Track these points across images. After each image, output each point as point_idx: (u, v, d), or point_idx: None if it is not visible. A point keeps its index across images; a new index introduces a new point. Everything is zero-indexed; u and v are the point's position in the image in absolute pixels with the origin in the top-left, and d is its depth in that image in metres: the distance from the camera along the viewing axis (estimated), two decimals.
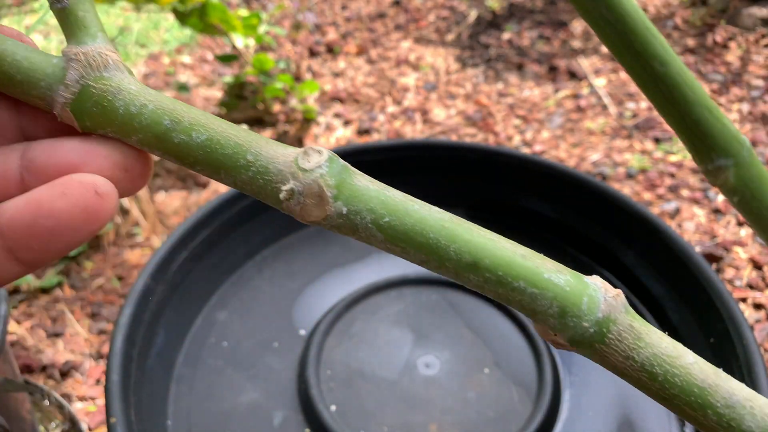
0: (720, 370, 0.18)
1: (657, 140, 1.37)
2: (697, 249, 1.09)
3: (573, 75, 1.61)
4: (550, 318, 0.17)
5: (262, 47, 1.72)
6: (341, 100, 1.57)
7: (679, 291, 0.68)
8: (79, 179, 0.17)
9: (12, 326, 1.02)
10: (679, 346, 0.18)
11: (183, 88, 1.56)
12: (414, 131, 1.46)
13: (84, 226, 0.17)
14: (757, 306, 1.01)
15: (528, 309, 0.17)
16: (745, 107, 1.44)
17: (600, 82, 1.58)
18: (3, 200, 0.17)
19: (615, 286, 0.66)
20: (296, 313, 0.72)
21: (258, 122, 1.47)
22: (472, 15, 1.91)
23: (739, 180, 0.17)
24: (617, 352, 0.17)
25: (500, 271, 0.17)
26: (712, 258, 1.08)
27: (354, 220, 0.17)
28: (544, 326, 0.17)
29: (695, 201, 1.21)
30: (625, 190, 1.25)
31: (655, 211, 1.19)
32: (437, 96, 1.58)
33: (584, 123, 1.45)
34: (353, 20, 1.93)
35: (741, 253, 1.10)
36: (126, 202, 1.13)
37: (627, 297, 0.77)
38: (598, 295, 0.17)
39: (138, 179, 0.18)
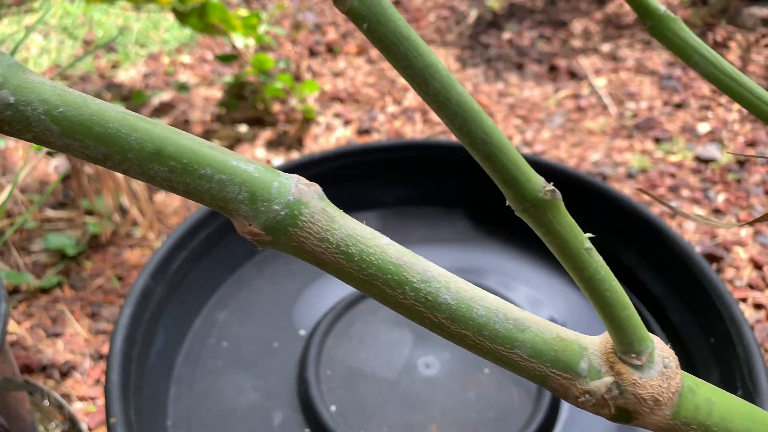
0: (417, 255, 0.19)
1: (657, 140, 1.37)
2: (698, 249, 1.09)
3: (573, 75, 1.61)
4: (242, 206, 0.17)
5: (262, 47, 1.72)
6: (341, 100, 1.57)
7: (679, 291, 0.68)
8: None
9: (12, 326, 1.02)
10: (376, 232, 0.18)
11: (183, 87, 1.56)
12: (414, 131, 1.46)
13: None
14: (758, 306, 1.01)
15: (218, 199, 0.17)
16: None
17: (600, 82, 1.57)
18: None
19: None
20: (296, 313, 0.72)
21: (258, 122, 1.47)
22: (473, 15, 1.91)
23: (363, 4, 0.17)
24: (311, 235, 0.17)
25: (185, 158, 0.16)
26: (712, 258, 1.08)
27: (24, 111, 0.16)
28: (239, 220, 0.17)
29: (695, 201, 1.21)
30: (626, 190, 1.25)
31: (655, 211, 1.19)
32: None
33: (584, 123, 1.45)
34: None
35: (741, 253, 1.10)
36: (125, 201, 1.13)
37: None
38: (290, 182, 0.17)
39: None
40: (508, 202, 0.19)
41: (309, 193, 0.17)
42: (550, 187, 0.19)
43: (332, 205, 0.18)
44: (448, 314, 0.18)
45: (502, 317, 0.18)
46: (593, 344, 0.19)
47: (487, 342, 0.18)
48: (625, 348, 0.19)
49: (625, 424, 0.19)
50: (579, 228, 0.19)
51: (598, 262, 0.19)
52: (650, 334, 0.19)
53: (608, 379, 0.18)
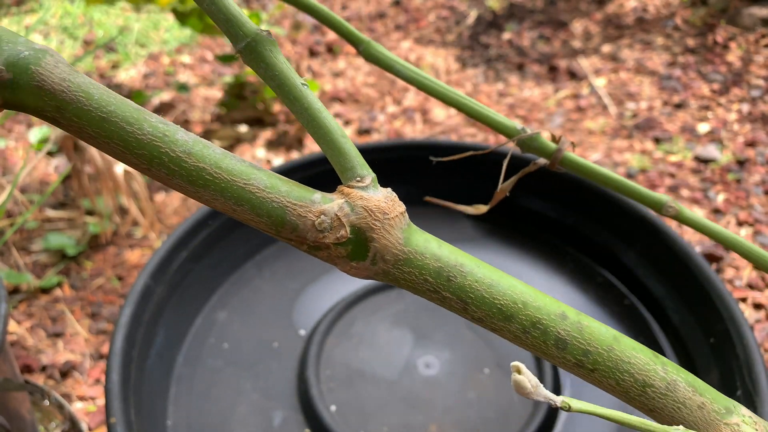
0: None
1: (657, 140, 1.37)
2: (698, 249, 1.09)
3: (573, 75, 1.61)
4: None
5: None
6: (341, 100, 1.57)
7: (679, 291, 0.68)
8: None
9: (12, 326, 1.02)
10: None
11: (183, 87, 1.56)
12: (414, 131, 1.46)
13: None
14: (757, 306, 1.01)
15: None
16: (745, 107, 1.44)
17: (600, 82, 1.58)
18: None
19: (615, 286, 0.66)
20: (296, 313, 0.72)
21: (258, 122, 1.47)
22: (472, 15, 1.91)
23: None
24: (54, 74, 0.18)
25: None
26: (712, 258, 1.08)
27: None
28: None
29: (695, 201, 1.21)
30: None
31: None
32: None
33: (584, 123, 1.45)
34: (353, 20, 1.93)
35: None
36: (126, 201, 1.13)
37: (627, 297, 0.77)
38: (41, 48, 0.18)
39: None
40: (236, 49, 0.21)
41: (55, 52, 0.18)
42: (266, 30, 0.21)
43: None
44: (185, 149, 0.19)
45: (237, 158, 0.20)
46: (322, 193, 0.21)
47: (224, 175, 0.19)
48: (349, 174, 0.20)
49: (360, 257, 0.20)
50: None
51: (313, 96, 0.21)
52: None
53: (340, 200, 0.20)
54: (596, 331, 0.21)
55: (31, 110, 0.18)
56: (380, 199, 0.20)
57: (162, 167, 0.19)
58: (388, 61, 0.30)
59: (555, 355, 0.21)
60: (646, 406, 0.21)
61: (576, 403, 0.19)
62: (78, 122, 0.18)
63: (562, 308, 0.21)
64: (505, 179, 0.33)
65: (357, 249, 0.20)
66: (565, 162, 0.31)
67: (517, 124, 0.31)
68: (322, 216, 0.20)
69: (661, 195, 0.30)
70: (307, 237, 0.20)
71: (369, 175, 0.21)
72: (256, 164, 0.20)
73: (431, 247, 0.20)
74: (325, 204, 0.20)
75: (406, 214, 0.21)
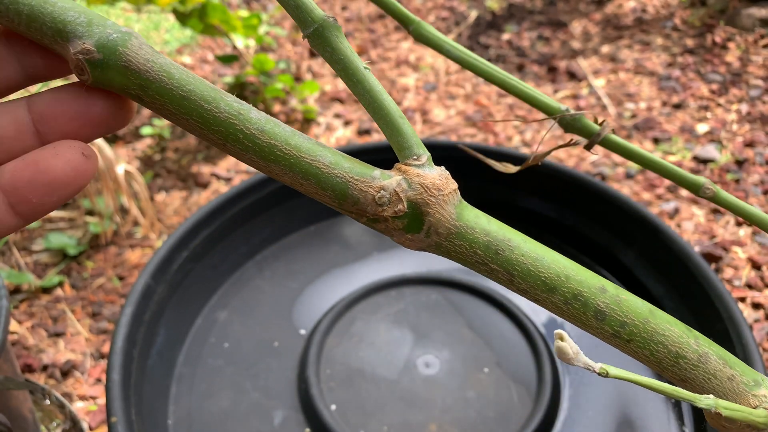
0: None
1: (656, 140, 1.38)
2: (696, 249, 1.09)
3: (572, 75, 1.61)
4: (79, 27, 0.19)
5: (263, 48, 1.72)
6: (341, 101, 1.57)
7: (678, 290, 0.68)
8: (68, 144, 0.20)
9: (13, 326, 1.02)
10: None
11: None
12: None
13: (74, 182, 0.20)
14: (756, 306, 1.02)
15: (58, 21, 0.19)
16: (744, 108, 1.44)
17: (599, 83, 1.58)
18: (25, 150, 0.20)
19: None
20: (296, 313, 0.72)
21: None
22: (472, 15, 1.92)
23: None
24: (139, 55, 0.19)
25: None
26: (711, 258, 1.08)
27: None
28: (75, 42, 0.19)
29: (694, 201, 1.21)
30: (625, 190, 1.25)
31: (654, 211, 1.19)
32: (437, 96, 1.58)
33: None
34: (353, 21, 1.93)
35: (740, 253, 1.10)
36: (126, 201, 1.14)
37: None
38: (124, 28, 0.20)
39: (128, 114, 0.21)
40: (304, 34, 0.22)
41: (142, 39, 0.20)
42: (332, 15, 0.22)
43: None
44: (258, 126, 0.20)
45: (305, 137, 0.21)
46: (383, 172, 0.22)
47: (293, 151, 0.20)
48: (407, 153, 0.22)
49: (415, 229, 0.21)
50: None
51: (375, 79, 0.22)
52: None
53: (398, 177, 0.21)
54: (633, 305, 0.22)
55: (117, 88, 0.20)
56: (435, 176, 0.21)
57: (237, 143, 0.20)
58: (438, 41, 0.32)
59: (594, 326, 0.22)
60: (678, 376, 0.22)
61: (613, 371, 0.19)
62: (160, 100, 0.20)
63: (602, 282, 0.22)
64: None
65: (413, 222, 0.21)
66: (606, 143, 0.32)
67: (561, 105, 0.32)
68: (382, 191, 0.21)
69: (698, 177, 0.31)
70: (367, 210, 0.21)
71: (425, 154, 0.22)
72: (320, 143, 0.21)
73: (481, 222, 0.22)
74: (385, 180, 0.21)
75: (458, 192, 0.22)
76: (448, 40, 0.32)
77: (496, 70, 0.32)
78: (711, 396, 0.20)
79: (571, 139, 0.33)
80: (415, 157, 0.22)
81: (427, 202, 0.21)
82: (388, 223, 0.21)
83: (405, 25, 0.32)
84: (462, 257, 0.22)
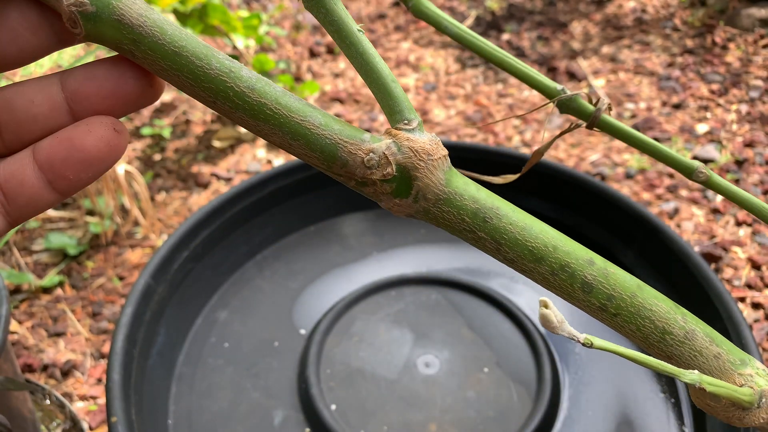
0: None
1: (656, 140, 1.38)
2: (696, 249, 1.09)
3: (572, 75, 1.61)
4: None
5: (263, 48, 1.72)
6: (341, 101, 1.57)
7: (678, 290, 0.68)
8: (100, 120, 0.21)
9: (13, 326, 1.02)
10: None
11: None
12: None
13: (107, 157, 0.21)
14: (756, 305, 1.02)
15: None
16: (744, 108, 1.44)
17: (599, 83, 1.58)
18: (59, 127, 0.21)
19: None
20: (296, 313, 0.72)
21: None
22: (472, 16, 1.92)
23: None
24: (132, 10, 0.19)
25: None
26: (710, 258, 1.08)
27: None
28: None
29: (694, 201, 1.21)
30: (624, 190, 1.25)
31: (654, 211, 1.19)
32: (437, 96, 1.58)
33: (583, 123, 1.45)
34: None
35: (740, 253, 1.10)
36: (126, 202, 1.14)
37: None
38: None
39: (158, 90, 0.22)
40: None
41: None
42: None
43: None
44: (249, 84, 0.20)
45: (296, 97, 0.21)
46: (373, 135, 0.22)
47: (284, 111, 0.20)
48: (398, 117, 0.22)
49: (404, 194, 0.21)
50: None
51: (367, 42, 0.22)
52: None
53: (388, 140, 0.21)
54: (621, 278, 0.22)
55: (109, 42, 0.20)
56: (425, 141, 0.21)
57: (227, 101, 0.20)
58: (436, 17, 0.32)
59: (580, 298, 0.22)
60: (664, 353, 0.22)
61: (598, 341, 0.19)
62: (152, 55, 0.20)
63: (590, 255, 0.22)
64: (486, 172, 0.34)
65: (401, 186, 0.21)
66: (601, 124, 0.31)
67: (557, 85, 0.32)
68: (371, 153, 0.21)
69: (692, 161, 0.30)
70: (355, 173, 0.21)
71: (415, 119, 0.22)
72: (311, 104, 0.21)
73: (470, 189, 0.22)
74: (374, 143, 0.21)
75: (448, 158, 0.22)
76: (446, 16, 0.32)
77: (495, 48, 0.31)
78: (696, 371, 0.20)
79: (572, 124, 0.32)
80: (405, 121, 0.22)
81: (416, 166, 0.21)
82: (376, 186, 0.21)
83: (404, 1, 0.32)
84: (449, 224, 0.22)
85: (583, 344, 0.19)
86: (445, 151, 0.22)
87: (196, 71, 0.20)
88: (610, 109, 0.32)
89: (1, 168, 0.21)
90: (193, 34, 0.20)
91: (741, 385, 0.21)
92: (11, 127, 0.21)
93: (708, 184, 0.30)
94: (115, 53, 0.21)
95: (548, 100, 0.32)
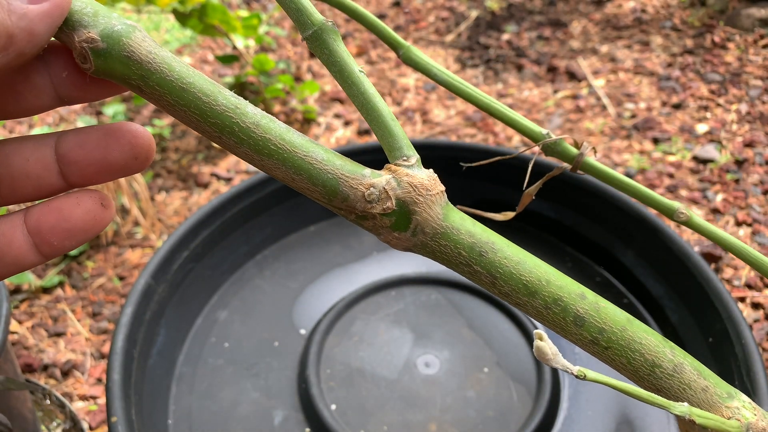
0: None
1: (656, 140, 1.38)
2: (696, 249, 1.09)
3: (572, 75, 1.61)
4: (86, 17, 0.20)
5: (263, 48, 1.72)
6: (341, 101, 1.57)
7: (677, 290, 0.68)
8: (89, 194, 0.22)
9: (13, 326, 1.02)
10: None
11: None
12: (414, 131, 1.46)
13: (91, 229, 0.22)
14: (756, 305, 1.02)
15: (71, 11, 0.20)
16: (744, 107, 1.44)
17: (599, 83, 1.58)
18: (50, 186, 0.22)
19: (614, 286, 0.66)
20: (296, 313, 0.72)
21: None
22: (472, 16, 1.92)
23: None
24: (142, 47, 0.20)
25: None
26: (710, 258, 1.08)
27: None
28: (80, 31, 0.20)
29: (694, 201, 1.21)
30: None
31: (654, 211, 1.19)
32: (437, 96, 1.58)
33: (583, 123, 1.45)
34: (353, 21, 1.93)
35: None
36: (126, 202, 1.14)
37: (625, 296, 0.78)
38: (129, 22, 0.21)
39: (143, 163, 0.23)
40: (303, 36, 0.23)
41: (146, 33, 0.21)
42: (331, 20, 0.23)
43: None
44: (254, 120, 0.21)
45: (298, 133, 0.22)
46: (373, 171, 0.23)
47: (287, 146, 0.21)
48: (397, 153, 0.22)
49: (402, 228, 0.22)
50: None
51: (368, 82, 0.23)
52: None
53: (387, 175, 0.22)
54: (611, 312, 0.22)
55: (118, 77, 0.20)
56: (424, 177, 0.22)
57: (232, 136, 0.21)
58: (426, 66, 0.33)
59: (573, 331, 0.22)
60: (654, 386, 0.23)
61: (591, 374, 0.20)
62: (160, 90, 0.20)
63: (581, 289, 0.23)
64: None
65: (400, 220, 0.22)
66: (585, 167, 0.32)
67: (542, 129, 0.33)
68: (372, 188, 0.22)
69: (672, 202, 0.32)
70: (356, 207, 0.22)
71: (414, 156, 0.23)
72: (313, 141, 0.22)
73: (466, 224, 0.22)
74: (375, 178, 0.22)
75: (445, 194, 0.23)
76: (435, 64, 0.33)
77: (481, 94, 0.33)
78: (685, 404, 0.21)
79: (558, 169, 0.34)
80: (405, 158, 0.22)
81: (415, 201, 0.22)
82: (376, 220, 0.22)
83: (395, 49, 0.32)
84: (446, 258, 0.22)
85: (577, 376, 0.20)
86: (443, 187, 0.22)
87: (203, 107, 0.20)
88: (594, 152, 0.33)
89: None
90: (200, 72, 0.21)
91: (729, 418, 0.22)
92: (7, 182, 0.22)
93: (689, 225, 0.31)
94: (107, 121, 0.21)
95: (531, 138, 0.33)
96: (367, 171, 0.22)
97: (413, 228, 0.22)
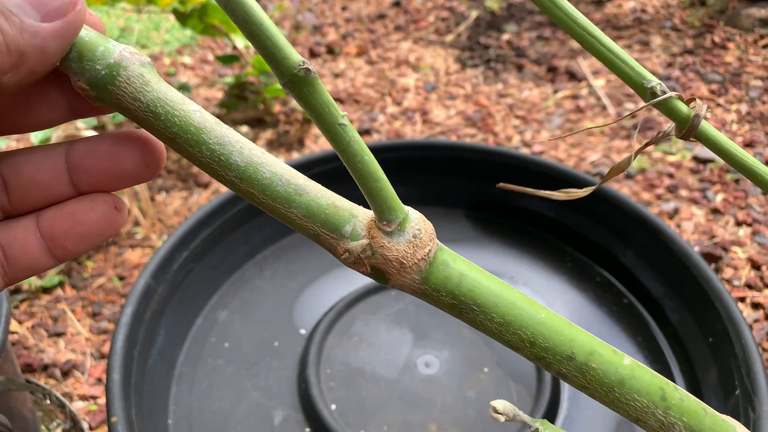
0: (221, 123, 0.21)
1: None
2: (696, 249, 1.09)
3: (572, 75, 1.61)
4: (72, 63, 0.19)
5: None
6: (341, 101, 1.57)
7: (678, 291, 0.68)
8: (103, 198, 0.22)
9: (13, 326, 1.02)
10: (187, 99, 0.21)
11: (184, 88, 1.56)
12: (414, 131, 1.46)
13: (105, 233, 0.22)
14: (756, 305, 1.02)
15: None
16: (744, 108, 1.44)
17: (599, 83, 1.58)
18: (60, 194, 0.22)
19: (614, 286, 0.66)
20: (296, 313, 0.72)
21: (258, 122, 1.48)
22: (472, 16, 1.92)
23: None
24: (126, 94, 0.20)
25: None
26: (710, 258, 1.08)
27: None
28: (72, 77, 0.20)
29: (694, 201, 1.21)
30: (624, 190, 1.25)
31: (654, 211, 1.19)
32: (437, 96, 1.58)
33: (583, 123, 1.45)
34: (353, 21, 1.93)
35: (740, 253, 1.10)
36: (127, 202, 1.14)
37: (625, 297, 0.78)
38: (115, 48, 0.20)
39: (154, 171, 0.23)
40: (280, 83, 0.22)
41: (131, 60, 0.20)
42: (306, 65, 0.20)
43: (154, 72, 0.20)
44: (237, 174, 0.21)
45: (285, 182, 0.21)
46: (363, 214, 0.22)
47: (269, 200, 0.21)
48: (379, 216, 0.22)
49: (383, 284, 0.22)
50: (335, 105, 0.21)
51: (352, 136, 0.21)
52: (409, 208, 0.22)
53: (364, 242, 0.22)
54: (601, 375, 0.22)
55: (116, 109, 0.21)
56: (401, 249, 0.21)
57: (222, 181, 0.21)
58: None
59: (556, 376, 0.23)
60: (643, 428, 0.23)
61: (550, 427, 0.21)
62: (151, 133, 0.21)
63: (573, 348, 0.22)
64: (497, 178, 0.33)
65: (379, 278, 0.22)
66: (699, 134, 0.27)
67: (649, 78, 0.26)
68: (347, 253, 0.22)
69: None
70: (338, 256, 0.22)
71: (396, 220, 0.22)
72: (302, 186, 0.21)
73: (450, 284, 0.22)
74: (351, 243, 0.22)
75: (431, 254, 0.22)
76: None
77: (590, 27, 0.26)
78: None
79: (659, 132, 0.28)
80: (385, 222, 0.22)
81: (388, 272, 0.22)
82: (348, 264, 0.22)
83: None
84: (432, 303, 0.23)
85: None
86: (426, 250, 0.22)
87: (190, 156, 0.21)
88: (709, 113, 0.25)
89: (6, 232, 0.22)
90: (186, 115, 0.20)
91: None
92: (18, 190, 0.22)
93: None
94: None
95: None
96: (348, 228, 0.22)
97: (392, 286, 0.22)
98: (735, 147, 0.27)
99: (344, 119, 0.21)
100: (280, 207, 0.21)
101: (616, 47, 0.26)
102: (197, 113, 0.20)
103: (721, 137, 0.27)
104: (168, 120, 0.20)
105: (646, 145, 0.28)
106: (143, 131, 0.22)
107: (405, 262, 0.21)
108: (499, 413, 0.20)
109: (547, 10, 0.26)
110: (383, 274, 0.22)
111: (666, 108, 0.27)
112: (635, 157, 0.28)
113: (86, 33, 0.20)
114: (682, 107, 0.27)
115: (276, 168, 0.21)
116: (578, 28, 0.26)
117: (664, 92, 0.26)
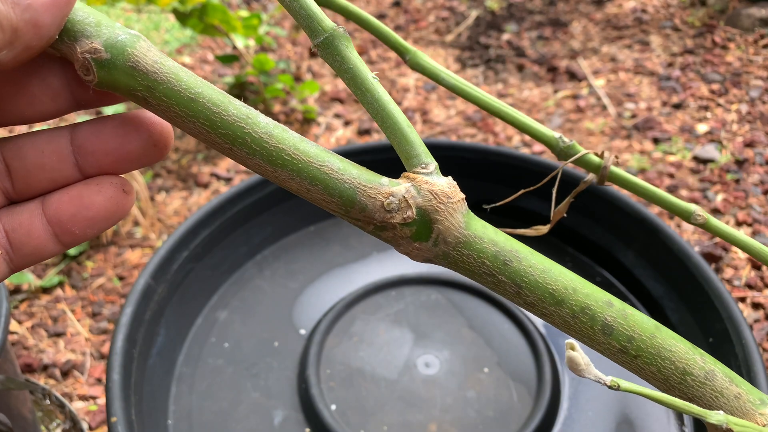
0: None
1: (656, 140, 1.38)
2: (696, 249, 1.09)
3: (572, 75, 1.61)
4: (88, 27, 0.19)
5: (263, 48, 1.72)
6: (341, 101, 1.57)
7: (678, 291, 0.68)
8: (110, 180, 0.21)
9: (13, 326, 1.02)
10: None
11: None
12: None
13: (113, 216, 0.21)
14: (756, 305, 1.02)
15: (72, 21, 0.19)
16: (744, 108, 1.44)
17: (599, 83, 1.58)
18: (66, 177, 0.21)
19: (614, 286, 0.66)
20: (296, 313, 0.72)
21: None
22: (472, 16, 1.92)
23: None
24: (147, 57, 0.19)
25: None
26: (711, 258, 1.08)
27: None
28: (82, 42, 0.19)
29: (694, 201, 1.21)
30: (624, 190, 1.25)
31: (654, 211, 1.19)
32: (437, 96, 1.58)
33: (584, 123, 1.45)
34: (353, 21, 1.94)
35: (740, 253, 1.10)
36: None
37: (626, 297, 0.78)
38: (135, 32, 0.20)
39: (162, 151, 0.22)
40: (313, 43, 0.23)
41: (151, 43, 0.20)
42: (342, 27, 0.22)
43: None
44: (266, 130, 0.20)
45: (314, 144, 0.21)
46: (391, 180, 0.22)
47: (302, 156, 0.20)
48: (415, 161, 0.22)
49: (422, 239, 0.21)
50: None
51: (382, 89, 0.22)
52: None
53: (406, 183, 0.21)
54: (639, 320, 0.22)
55: (122, 89, 0.20)
56: (444, 184, 0.21)
57: (244, 146, 0.20)
58: (433, 70, 0.32)
59: (601, 341, 0.22)
60: (685, 395, 0.22)
61: (624, 383, 0.19)
62: (167, 101, 0.20)
63: (608, 296, 0.22)
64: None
65: (421, 230, 0.21)
66: (611, 177, 0.32)
67: (554, 133, 0.32)
68: (391, 197, 0.21)
69: (689, 204, 0.32)
70: (375, 217, 0.21)
71: (432, 163, 0.22)
72: (329, 150, 0.21)
73: (489, 232, 0.22)
74: (393, 187, 0.21)
75: (465, 202, 0.22)
76: (443, 69, 0.32)
77: (490, 98, 0.32)
78: (721, 412, 0.20)
79: (585, 181, 0.33)
80: (423, 165, 0.22)
81: (436, 209, 0.21)
82: (396, 230, 0.21)
83: (401, 54, 0.32)
84: (469, 267, 0.21)
85: (610, 387, 0.19)
86: (463, 195, 0.22)
87: (213, 117, 0.20)
88: (617, 160, 0.33)
89: (10, 217, 0.21)
90: (208, 82, 0.20)
91: (764, 425, 0.21)
92: (21, 174, 0.21)
93: (706, 227, 0.31)
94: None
95: (544, 143, 0.33)
96: (385, 180, 0.21)
97: (434, 238, 0.21)
98: (643, 183, 0.32)
99: (374, 74, 0.22)
100: (314, 162, 0.20)
101: (523, 116, 0.32)
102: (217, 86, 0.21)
103: (630, 177, 0.33)
104: (191, 81, 0.20)
105: (572, 196, 0.33)
106: (148, 112, 0.21)
107: (451, 197, 0.21)
108: (574, 355, 0.19)
109: (466, 95, 0.33)
110: (429, 217, 0.21)
111: (581, 162, 0.32)
112: (566, 207, 0.34)
113: (104, 15, 0.20)
114: (593, 158, 0.32)
115: (298, 135, 0.21)
116: (495, 103, 0.33)
117: (574, 149, 0.31)
